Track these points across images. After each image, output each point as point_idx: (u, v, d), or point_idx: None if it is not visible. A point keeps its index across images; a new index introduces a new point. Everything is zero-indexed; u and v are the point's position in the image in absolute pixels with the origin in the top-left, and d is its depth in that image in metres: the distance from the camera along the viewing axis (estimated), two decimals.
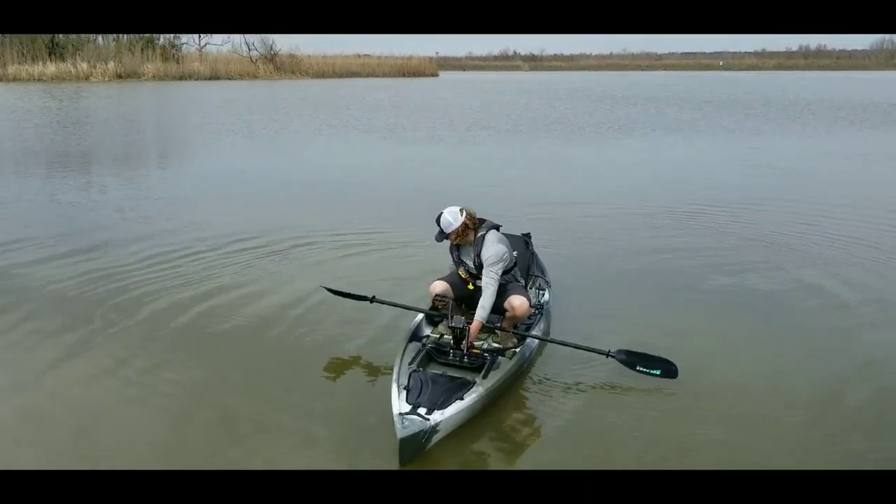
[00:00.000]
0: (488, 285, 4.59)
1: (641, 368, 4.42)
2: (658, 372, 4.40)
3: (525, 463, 3.74)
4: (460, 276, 4.91)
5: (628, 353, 4.50)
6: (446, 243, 4.92)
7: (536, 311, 5.04)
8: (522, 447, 3.91)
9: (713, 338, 5.33)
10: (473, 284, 4.82)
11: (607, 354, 4.49)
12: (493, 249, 4.66)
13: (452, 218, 4.69)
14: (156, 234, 8.02)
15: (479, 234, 4.76)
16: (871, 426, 4.07)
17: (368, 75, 57.93)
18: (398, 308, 5.12)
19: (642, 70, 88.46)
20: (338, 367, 4.78)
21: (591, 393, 4.46)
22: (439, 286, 4.86)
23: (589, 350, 4.58)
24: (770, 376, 4.68)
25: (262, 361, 4.84)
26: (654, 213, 9.35)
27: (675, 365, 4.40)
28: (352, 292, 5.25)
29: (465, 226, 4.72)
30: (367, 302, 5.12)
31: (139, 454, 3.70)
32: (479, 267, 4.74)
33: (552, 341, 4.78)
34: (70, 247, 7.53)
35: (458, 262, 4.94)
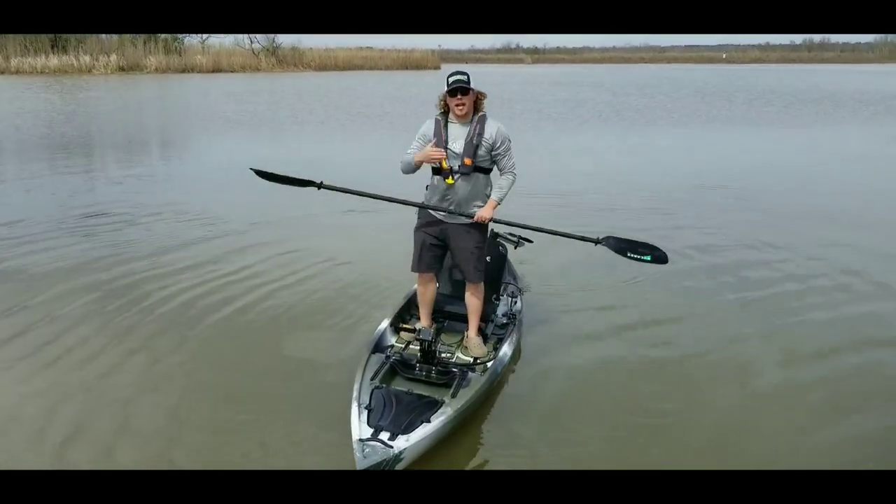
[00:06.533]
0: (508, 177, 4.33)
1: (632, 255, 4.39)
2: (649, 258, 4.38)
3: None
4: (440, 168, 4.25)
5: (617, 239, 4.46)
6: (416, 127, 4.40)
7: (509, 321, 4.85)
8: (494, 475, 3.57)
9: (715, 325, 5.32)
10: (454, 178, 4.23)
11: (596, 242, 4.45)
12: (501, 130, 4.25)
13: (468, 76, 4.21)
14: (157, 226, 8.05)
15: (480, 113, 4.28)
16: None
17: (371, 69, 57.74)
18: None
19: (646, 63, 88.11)
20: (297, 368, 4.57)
21: (569, 407, 4.21)
22: (430, 291, 4.58)
23: (578, 238, 4.52)
24: (784, 371, 4.65)
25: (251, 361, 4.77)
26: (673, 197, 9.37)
27: (662, 251, 4.38)
28: (291, 176, 4.50)
29: (476, 95, 4.25)
30: (315, 188, 4.41)
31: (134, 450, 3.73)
32: (475, 150, 4.20)
33: (540, 230, 4.49)
34: (70, 234, 7.66)
35: (444, 144, 4.22)
